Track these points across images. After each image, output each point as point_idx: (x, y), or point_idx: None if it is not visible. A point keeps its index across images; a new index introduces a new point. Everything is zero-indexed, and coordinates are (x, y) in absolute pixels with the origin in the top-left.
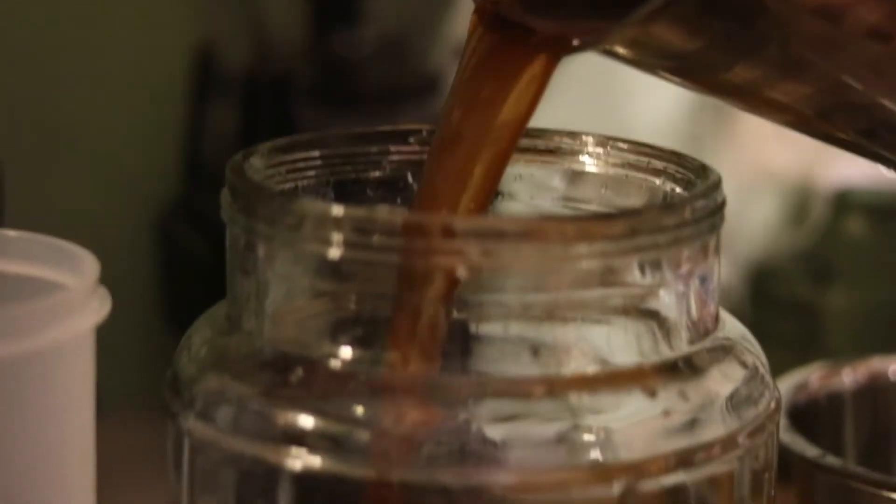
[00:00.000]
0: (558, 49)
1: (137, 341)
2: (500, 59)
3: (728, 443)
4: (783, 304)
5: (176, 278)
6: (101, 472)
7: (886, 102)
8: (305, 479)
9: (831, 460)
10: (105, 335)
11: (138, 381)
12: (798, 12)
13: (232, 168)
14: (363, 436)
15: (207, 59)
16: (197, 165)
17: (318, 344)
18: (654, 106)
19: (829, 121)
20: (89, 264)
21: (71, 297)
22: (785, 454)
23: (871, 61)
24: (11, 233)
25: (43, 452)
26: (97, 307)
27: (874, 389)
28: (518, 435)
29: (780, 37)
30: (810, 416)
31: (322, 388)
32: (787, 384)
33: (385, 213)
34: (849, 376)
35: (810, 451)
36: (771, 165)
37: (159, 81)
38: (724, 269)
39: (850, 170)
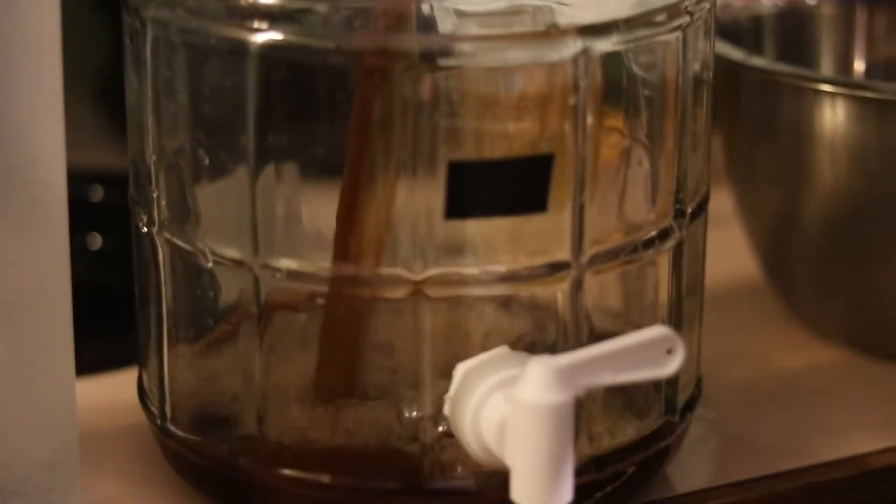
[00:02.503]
0: None
1: None
2: None
3: (674, 11)
4: None
5: None
6: None
7: None
8: (268, 54)
9: (757, 60)
10: None
11: None
12: None
13: None
14: (322, 8)
15: None
16: None
17: None
18: None
19: None
20: None
21: None
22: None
23: None
24: None
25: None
26: None
27: (792, 13)
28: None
29: None
30: (733, 35)
31: None
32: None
33: None
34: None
35: (736, 53)
36: None
37: None
38: None
39: None
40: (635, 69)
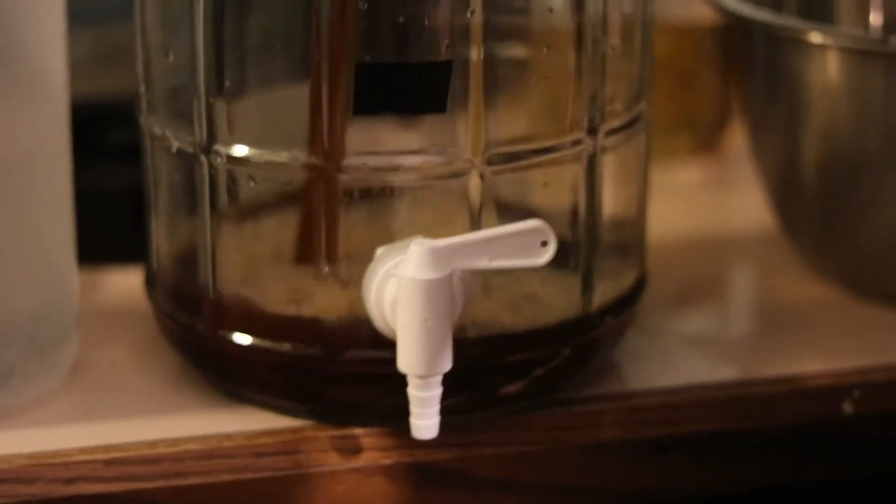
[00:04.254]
0: None
1: None
2: None
3: None
4: None
5: None
6: None
7: None
8: None
9: (762, 15)
10: None
11: None
12: None
13: None
14: None
15: None
16: None
17: None
18: None
19: None
20: None
21: None
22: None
23: None
24: None
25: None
26: None
27: None
28: None
29: None
30: None
31: None
32: None
33: None
34: None
35: (744, 9)
36: None
37: None
38: None
39: None
40: None
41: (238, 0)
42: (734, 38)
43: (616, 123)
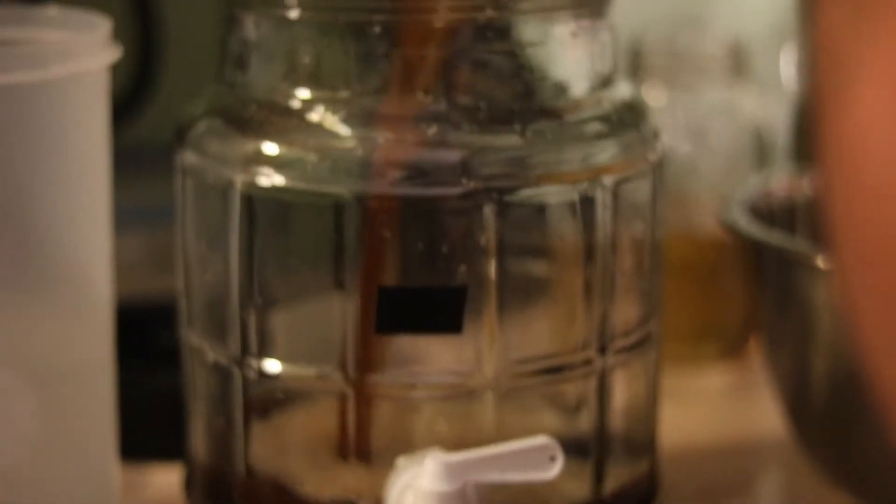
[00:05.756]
0: None
1: None
2: None
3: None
4: None
5: None
6: None
7: None
8: (269, 193)
9: (774, 237)
10: None
11: None
12: None
13: None
14: (312, 158)
15: None
16: None
17: (283, 90)
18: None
19: None
20: (104, 23)
21: (81, 41)
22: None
23: None
24: (51, 10)
25: (58, 173)
26: (107, 52)
27: None
28: None
29: None
30: (769, 217)
31: (281, 124)
32: (752, 187)
33: None
34: (810, 183)
35: (757, 232)
36: None
37: None
38: None
39: None
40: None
41: (269, 224)
42: (748, 256)
43: (626, 343)
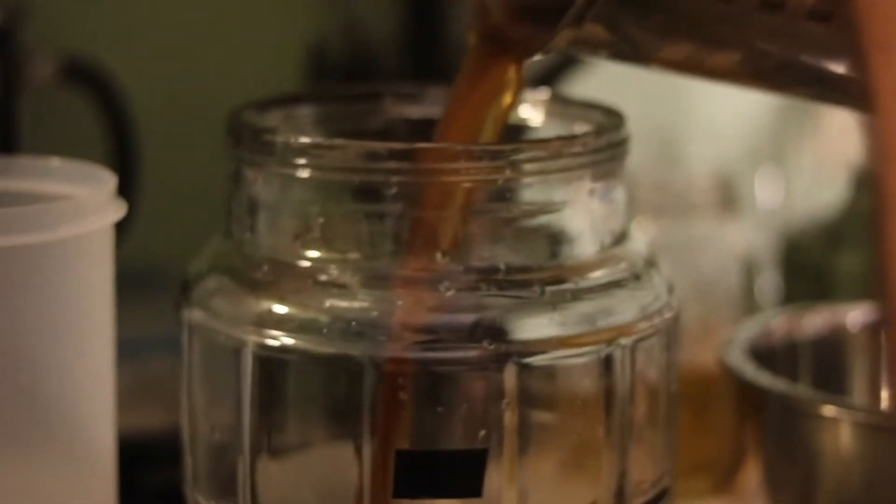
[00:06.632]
0: (520, 54)
1: None
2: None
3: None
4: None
5: None
6: None
7: (803, 59)
8: (282, 355)
9: (778, 384)
10: None
11: None
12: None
13: (230, 114)
14: (324, 319)
15: (319, 54)
16: None
17: (294, 250)
18: (733, 106)
19: (767, 80)
20: (108, 177)
21: (90, 199)
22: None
23: (771, 29)
24: (53, 162)
25: (64, 333)
26: (114, 209)
27: (832, 336)
28: None
29: (689, 18)
30: (770, 359)
31: (293, 284)
32: (751, 327)
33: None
34: (809, 322)
35: (759, 378)
36: (850, 157)
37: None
38: None
39: None
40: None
41: (283, 386)
42: (750, 400)
43: (643, 500)
